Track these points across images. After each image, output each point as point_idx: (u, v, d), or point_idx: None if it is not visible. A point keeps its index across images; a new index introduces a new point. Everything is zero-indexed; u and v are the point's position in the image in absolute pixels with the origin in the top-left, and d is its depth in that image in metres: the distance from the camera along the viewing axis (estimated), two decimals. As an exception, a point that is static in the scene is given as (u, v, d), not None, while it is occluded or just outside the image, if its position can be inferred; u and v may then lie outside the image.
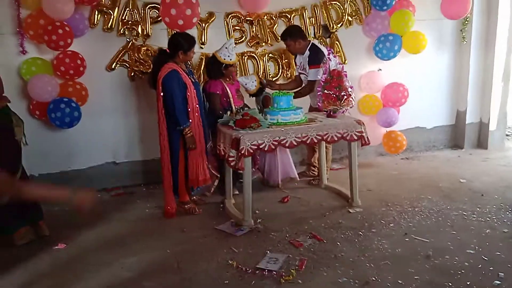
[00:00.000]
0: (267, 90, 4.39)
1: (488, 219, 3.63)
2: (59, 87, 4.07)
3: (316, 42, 4.60)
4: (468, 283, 2.70)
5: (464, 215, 3.71)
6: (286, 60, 4.92)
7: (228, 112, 4.02)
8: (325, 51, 4.19)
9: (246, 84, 4.25)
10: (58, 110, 3.99)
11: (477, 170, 4.91)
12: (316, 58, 4.23)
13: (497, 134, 5.74)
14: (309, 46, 4.34)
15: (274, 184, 4.47)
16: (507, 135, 6.10)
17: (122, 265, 3.05)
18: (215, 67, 4.10)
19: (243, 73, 4.76)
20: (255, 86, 4.25)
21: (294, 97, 3.92)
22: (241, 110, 4.07)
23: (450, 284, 2.70)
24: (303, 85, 4.48)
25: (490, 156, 5.41)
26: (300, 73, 4.52)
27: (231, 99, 4.14)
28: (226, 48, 4.08)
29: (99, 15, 4.27)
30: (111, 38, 4.34)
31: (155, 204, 4.12)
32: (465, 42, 5.53)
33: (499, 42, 5.47)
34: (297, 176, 4.57)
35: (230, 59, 4.07)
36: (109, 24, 4.30)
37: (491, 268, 2.87)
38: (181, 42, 3.67)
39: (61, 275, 2.95)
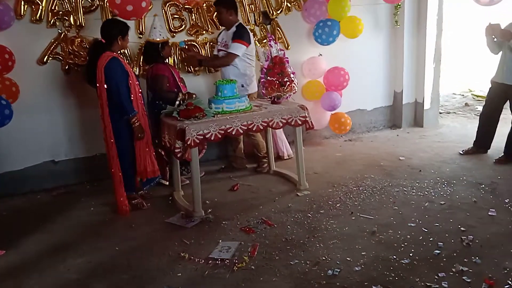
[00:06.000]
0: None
1: (426, 193, 3.85)
2: (-15, 84, 3.78)
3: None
4: (411, 254, 2.86)
5: (405, 191, 3.91)
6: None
7: (180, 94, 3.91)
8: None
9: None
10: (-14, 109, 3.71)
11: (415, 148, 5.18)
12: (242, 34, 4.19)
13: (431, 112, 6.08)
14: (237, 24, 4.30)
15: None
16: (440, 113, 6.48)
17: (69, 267, 2.92)
18: (152, 51, 4.01)
19: (186, 65, 4.68)
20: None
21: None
22: (185, 96, 3.94)
23: (395, 257, 2.84)
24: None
25: (426, 134, 5.72)
26: (219, 50, 4.37)
27: (179, 83, 4.07)
28: (154, 28, 3.98)
29: (25, 6, 3.98)
30: (40, 30, 4.08)
31: (100, 202, 3.97)
32: (398, 26, 5.76)
33: (430, 26, 5.74)
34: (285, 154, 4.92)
35: (163, 37, 3.99)
36: (38, 15, 4.03)
37: (431, 239, 3.05)
38: (118, 27, 3.55)
39: (1, 285, 2.77)
